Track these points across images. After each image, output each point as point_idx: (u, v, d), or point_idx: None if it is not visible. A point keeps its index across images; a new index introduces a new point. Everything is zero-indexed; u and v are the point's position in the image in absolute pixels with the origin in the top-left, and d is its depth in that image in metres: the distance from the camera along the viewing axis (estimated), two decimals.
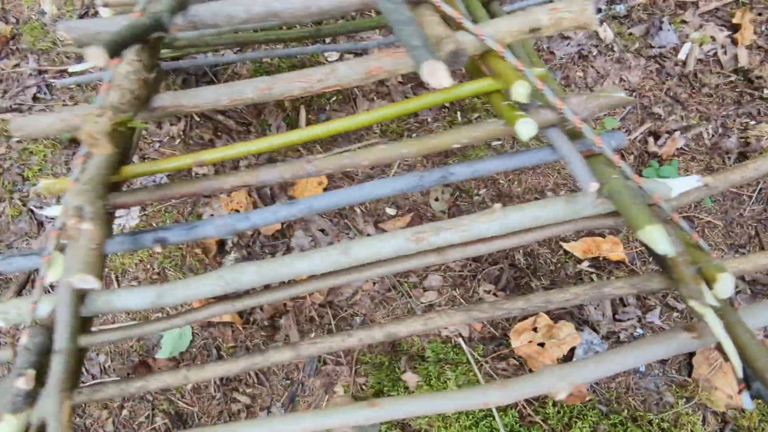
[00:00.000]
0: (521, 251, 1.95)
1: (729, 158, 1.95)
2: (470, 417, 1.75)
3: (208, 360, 1.94)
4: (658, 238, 0.91)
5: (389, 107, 1.05)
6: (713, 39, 2.03)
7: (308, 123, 2.10)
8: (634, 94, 2.03)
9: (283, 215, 1.09)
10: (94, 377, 1.93)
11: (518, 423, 1.74)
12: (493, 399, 1.00)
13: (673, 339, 1.00)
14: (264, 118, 2.09)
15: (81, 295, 1.05)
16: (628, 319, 1.84)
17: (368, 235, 1.97)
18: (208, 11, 1.08)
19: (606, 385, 1.80)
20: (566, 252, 1.92)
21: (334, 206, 1.09)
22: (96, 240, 0.90)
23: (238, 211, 2.03)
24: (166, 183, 1.12)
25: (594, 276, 1.89)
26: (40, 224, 2.08)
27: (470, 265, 1.93)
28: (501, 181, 2.00)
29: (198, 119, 2.10)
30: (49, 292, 2.13)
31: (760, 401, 1.02)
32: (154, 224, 2.07)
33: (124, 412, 1.91)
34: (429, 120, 2.07)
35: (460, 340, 1.85)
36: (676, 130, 1.96)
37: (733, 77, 2.01)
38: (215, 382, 1.92)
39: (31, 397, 0.95)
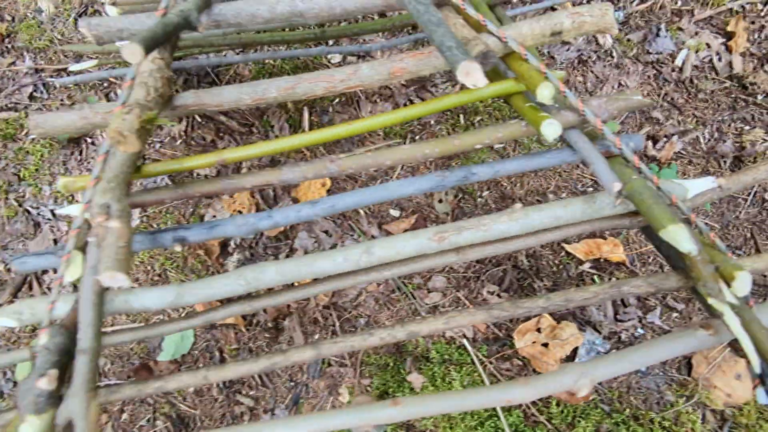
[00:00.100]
0: (524, 253, 1.97)
1: (725, 162, 2.00)
2: (475, 417, 1.76)
3: (211, 362, 1.92)
4: (681, 237, 0.93)
5: (418, 106, 1.06)
6: (708, 46, 2.08)
7: (311, 124, 2.10)
8: None
9: (306, 214, 1.08)
10: None
11: (523, 423, 1.75)
12: (517, 396, 1.01)
13: (692, 336, 1.02)
14: (267, 119, 2.08)
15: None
16: (629, 320, 1.87)
17: (372, 237, 1.98)
18: (232, 10, 1.07)
19: (608, 385, 1.83)
20: (568, 254, 1.94)
21: (357, 205, 1.10)
22: (124, 238, 0.89)
23: (240, 212, 2.01)
24: (187, 181, 1.11)
25: (595, 277, 1.92)
26: (37, 225, 2.04)
27: (474, 266, 1.95)
28: (504, 183, 2.02)
29: (199, 120, 2.09)
30: (45, 293, 2.09)
31: None
32: (155, 225, 2.05)
33: (124, 415, 1.88)
34: (432, 123, 2.09)
35: (465, 340, 1.86)
36: (673, 134, 2.01)
37: (728, 83, 2.06)
38: (218, 385, 1.90)
39: (53, 398, 0.94)
